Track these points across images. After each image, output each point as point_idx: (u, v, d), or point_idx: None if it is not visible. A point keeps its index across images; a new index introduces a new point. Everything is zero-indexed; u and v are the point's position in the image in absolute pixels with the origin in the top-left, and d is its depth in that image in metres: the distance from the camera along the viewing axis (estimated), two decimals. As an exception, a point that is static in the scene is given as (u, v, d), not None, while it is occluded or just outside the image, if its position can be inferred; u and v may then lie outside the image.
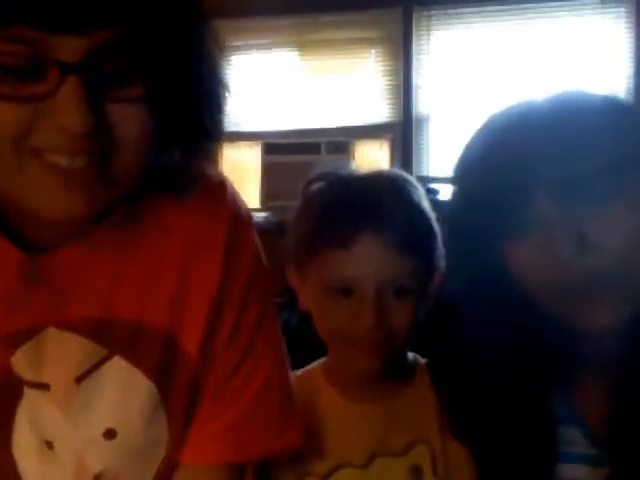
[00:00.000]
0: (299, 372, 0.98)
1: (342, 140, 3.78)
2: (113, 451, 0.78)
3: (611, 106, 0.83)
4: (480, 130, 0.85)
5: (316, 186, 0.96)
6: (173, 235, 0.80)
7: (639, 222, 0.77)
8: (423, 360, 1.00)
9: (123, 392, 0.77)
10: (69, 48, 0.59)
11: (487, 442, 0.88)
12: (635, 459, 0.80)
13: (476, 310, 0.83)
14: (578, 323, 0.79)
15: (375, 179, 0.96)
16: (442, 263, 0.95)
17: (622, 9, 3.71)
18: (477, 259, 0.82)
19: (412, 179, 0.97)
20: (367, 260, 0.88)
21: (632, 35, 3.68)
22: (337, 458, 0.93)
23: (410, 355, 1.00)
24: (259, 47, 4.07)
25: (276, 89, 4.06)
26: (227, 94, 0.72)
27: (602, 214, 0.76)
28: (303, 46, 4.13)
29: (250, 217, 0.86)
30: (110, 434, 0.77)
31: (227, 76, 0.72)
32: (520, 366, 0.84)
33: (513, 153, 0.78)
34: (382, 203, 0.90)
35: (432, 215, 0.95)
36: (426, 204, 0.95)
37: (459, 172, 0.87)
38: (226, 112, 0.72)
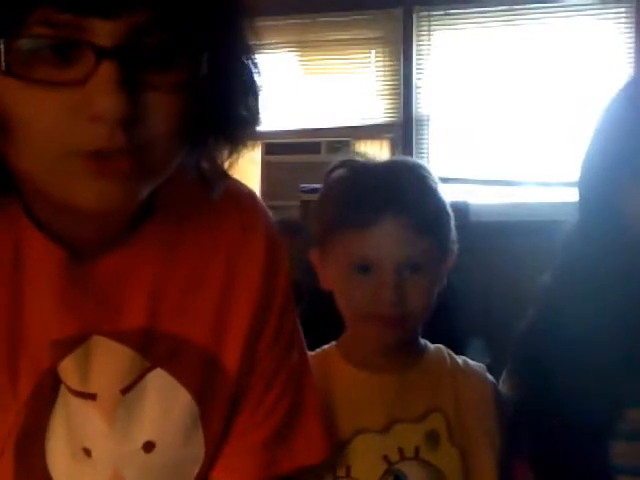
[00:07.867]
0: (313, 353, 1.00)
1: (342, 140, 3.78)
2: (150, 464, 0.77)
3: None
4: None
5: (338, 173, 1.02)
6: (213, 249, 0.79)
7: None
8: (432, 346, 1.04)
9: (164, 405, 0.76)
10: (103, 31, 0.56)
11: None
12: None
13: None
14: None
15: (393, 165, 1.03)
16: (454, 246, 1.02)
17: (622, 9, 3.71)
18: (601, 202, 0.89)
19: (426, 166, 1.04)
20: (387, 240, 0.95)
21: (632, 35, 3.68)
22: (356, 425, 0.96)
23: (422, 341, 1.04)
24: (259, 47, 4.05)
25: (276, 89, 4.05)
26: (261, 84, 0.71)
27: None
28: (303, 46, 4.14)
29: (276, 228, 0.85)
30: (149, 446, 0.76)
31: (260, 66, 0.71)
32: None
33: None
34: (401, 187, 0.97)
35: (446, 199, 1.01)
36: (440, 189, 1.01)
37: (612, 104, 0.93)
38: (262, 102, 0.71)
